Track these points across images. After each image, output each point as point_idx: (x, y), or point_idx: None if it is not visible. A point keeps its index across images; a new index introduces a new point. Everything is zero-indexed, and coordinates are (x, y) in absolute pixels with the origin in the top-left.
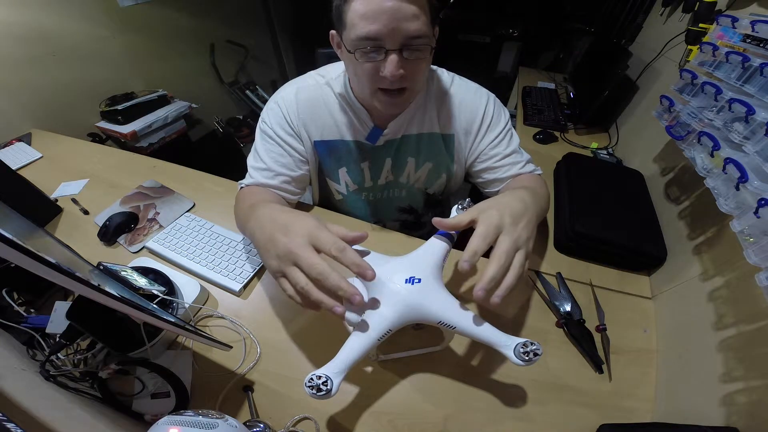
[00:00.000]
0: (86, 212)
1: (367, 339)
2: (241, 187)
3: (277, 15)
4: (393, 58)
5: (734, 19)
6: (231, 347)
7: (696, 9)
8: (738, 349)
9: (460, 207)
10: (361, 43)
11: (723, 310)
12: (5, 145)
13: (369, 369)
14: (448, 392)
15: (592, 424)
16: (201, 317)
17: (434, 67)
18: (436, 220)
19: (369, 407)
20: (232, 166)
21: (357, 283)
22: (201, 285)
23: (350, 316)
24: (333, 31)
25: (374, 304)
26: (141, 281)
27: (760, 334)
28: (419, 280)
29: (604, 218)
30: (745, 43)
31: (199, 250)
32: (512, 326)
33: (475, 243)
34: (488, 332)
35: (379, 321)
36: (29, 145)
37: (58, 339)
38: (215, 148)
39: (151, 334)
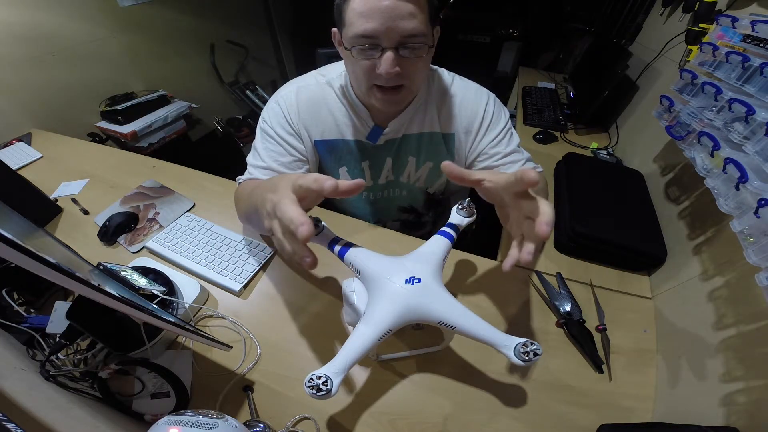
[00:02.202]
0: (86, 212)
1: (366, 339)
2: (240, 183)
3: (277, 15)
4: (388, 56)
5: (734, 19)
6: (231, 347)
7: (696, 9)
8: (738, 349)
9: (460, 207)
10: (358, 41)
11: (723, 310)
12: (5, 145)
13: (369, 369)
14: (448, 392)
15: (592, 424)
16: (201, 317)
17: (434, 66)
18: (446, 164)
19: (369, 407)
20: (232, 166)
21: (356, 282)
22: (201, 285)
23: (350, 316)
24: (335, 29)
25: (374, 304)
26: (141, 281)
27: (760, 334)
28: (419, 280)
29: (604, 218)
30: (745, 43)
31: (199, 250)
32: (512, 326)
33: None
34: (488, 332)
35: (379, 321)
36: (29, 145)
37: (58, 339)
38: (215, 148)
39: (151, 334)
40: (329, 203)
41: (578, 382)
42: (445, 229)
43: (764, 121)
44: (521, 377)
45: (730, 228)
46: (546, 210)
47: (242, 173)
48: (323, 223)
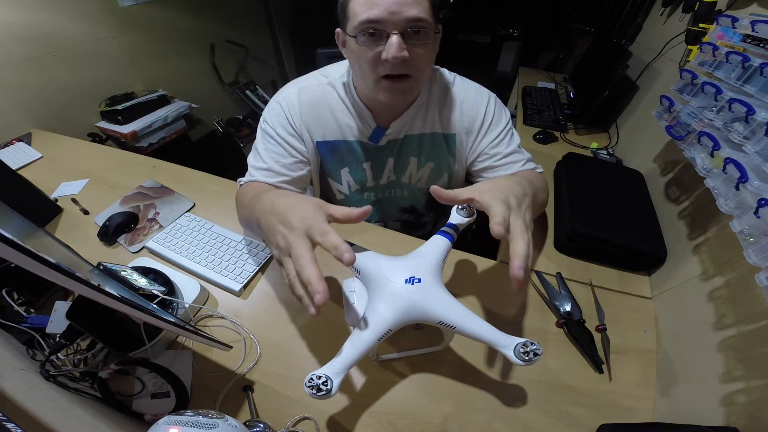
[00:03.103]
0: (86, 212)
1: (366, 339)
2: (241, 185)
3: (277, 15)
4: (394, 39)
5: (734, 19)
6: (231, 347)
7: (696, 9)
8: (738, 349)
9: (460, 207)
10: (363, 27)
11: (723, 310)
12: (5, 145)
13: (369, 369)
14: (448, 392)
15: (592, 424)
16: (201, 317)
17: (435, 66)
18: (434, 188)
19: (369, 407)
20: (232, 166)
21: (356, 282)
22: (201, 285)
23: (350, 316)
24: (338, 30)
25: (374, 304)
26: (141, 281)
27: (760, 334)
28: (419, 280)
29: (604, 218)
30: (745, 43)
31: (199, 250)
32: (512, 326)
33: (499, 210)
34: (488, 332)
35: (379, 321)
36: (29, 145)
37: (58, 339)
38: (215, 148)
39: (151, 334)
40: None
41: (578, 382)
42: (445, 229)
43: (764, 121)
44: (521, 377)
45: (730, 228)
46: (518, 250)
47: (242, 173)
48: None
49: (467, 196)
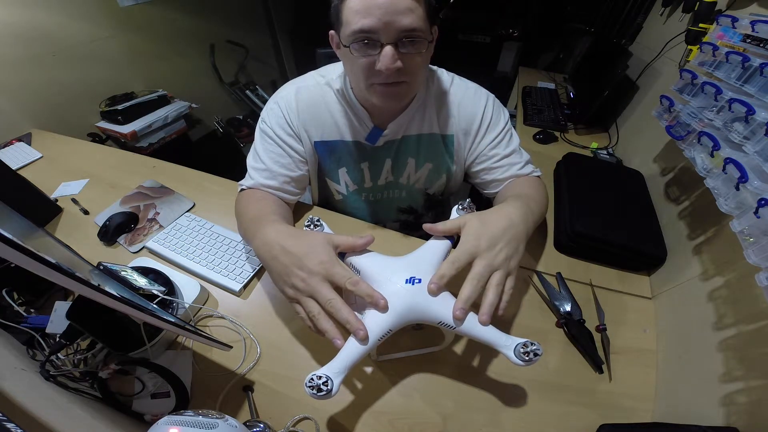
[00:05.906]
0: (86, 212)
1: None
2: (242, 189)
3: (277, 15)
4: (388, 51)
5: (734, 19)
6: (231, 347)
7: (696, 9)
8: (738, 349)
9: (460, 207)
10: (356, 36)
11: (723, 310)
12: (5, 145)
13: (369, 369)
14: (448, 392)
15: (592, 424)
16: (201, 317)
17: (434, 67)
18: (427, 226)
19: (369, 407)
20: (232, 166)
21: None
22: (201, 285)
23: None
24: (332, 32)
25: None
26: (141, 281)
27: (760, 334)
28: (419, 281)
29: (604, 218)
30: (745, 43)
31: (199, 250)
32: (512, 326)
33: (444, 267)
34: (488, 332)
35: (379, 321)
36: (29, 145)
37: (58, 339)
38: (215, 148)
39: (151, 334)
40: (329, 203)
41: (578, 382)
42: None
43: (764, 121)
44: (521, 377)
45: (730, 228)
46: (462, 295)
47: (242, 173)
48: (323, 223)
49: (456, 231)
